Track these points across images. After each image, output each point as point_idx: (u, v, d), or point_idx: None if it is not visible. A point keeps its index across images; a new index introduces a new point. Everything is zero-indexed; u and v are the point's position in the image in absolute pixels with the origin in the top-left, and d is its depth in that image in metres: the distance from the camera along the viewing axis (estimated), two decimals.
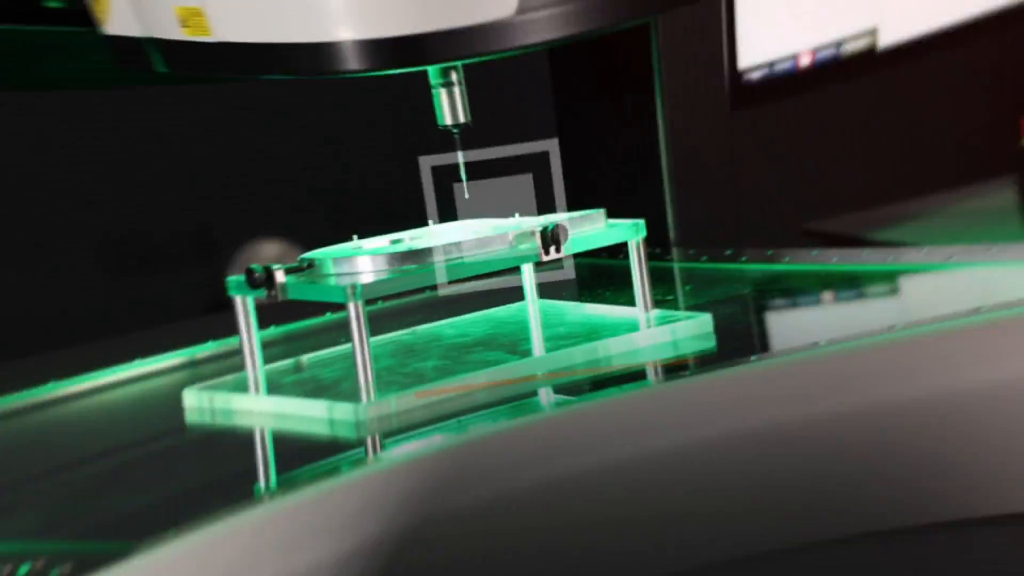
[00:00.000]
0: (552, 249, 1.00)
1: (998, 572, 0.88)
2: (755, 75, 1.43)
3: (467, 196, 1.07)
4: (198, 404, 1.03)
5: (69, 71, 1.22)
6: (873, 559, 0.89)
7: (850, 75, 1.43)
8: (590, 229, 1.04)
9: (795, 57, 1.42)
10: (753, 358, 0.94)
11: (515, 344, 1.04)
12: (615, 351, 1.01)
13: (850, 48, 1.43)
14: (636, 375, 0.98)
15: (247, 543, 0.76)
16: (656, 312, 1.06)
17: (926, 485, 0.91)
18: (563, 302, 1.15)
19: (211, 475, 0.91)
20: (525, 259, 1.01)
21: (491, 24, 0.94)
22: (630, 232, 1.04)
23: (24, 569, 0.73)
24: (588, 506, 0.86)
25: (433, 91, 1.05)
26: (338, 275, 0.98)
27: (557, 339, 1.04)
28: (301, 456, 0.92)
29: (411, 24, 0.93)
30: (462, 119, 1.05)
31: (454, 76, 1.04)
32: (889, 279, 1.18)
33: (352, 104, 1.51)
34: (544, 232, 1.00)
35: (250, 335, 1.03)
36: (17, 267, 1.34)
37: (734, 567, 0.88)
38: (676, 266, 1.33)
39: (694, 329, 1.04)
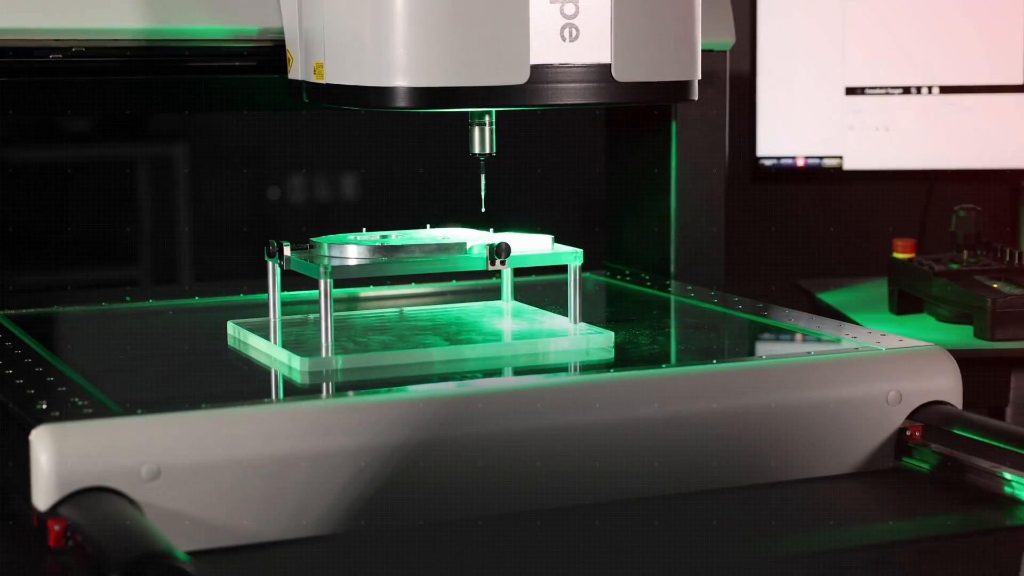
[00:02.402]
0: (497, 261, 1.28)
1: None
2: (768, 162, 2.10)
3: (483, 210, 1.37)
4: (233, 333, 1.36)
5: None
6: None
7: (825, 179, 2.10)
8: (537, 249, 1.32)
9: (794, 158, 2.11)
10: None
11: (455, 334, 1.32)
12: (521, 351, 1.30)
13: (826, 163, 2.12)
14: (524, 371, 1.26)
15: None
16: (583, 325, 1.33)
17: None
18: (530, 306, 1.42)
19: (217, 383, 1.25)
20: (472, 266, 1.29)
21: (508, 87, 1.25)
22: (570, 257, 1.32)
23: None
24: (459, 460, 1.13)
25: (469, 127, 1.36)
26: (326, 256, 1.28)
27: (490, 334, 1.32)
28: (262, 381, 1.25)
29: (448, 79, 1.25)
30: (488, 150, 1.35)
31: (486, 117, 1.35)
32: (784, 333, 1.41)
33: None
34: (492, 246, 1.28)
35: (273, 291, 1.35)
36: None
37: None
38: (672, 298, 1.58)
39: (600, 342, 1.30)
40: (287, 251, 1.31)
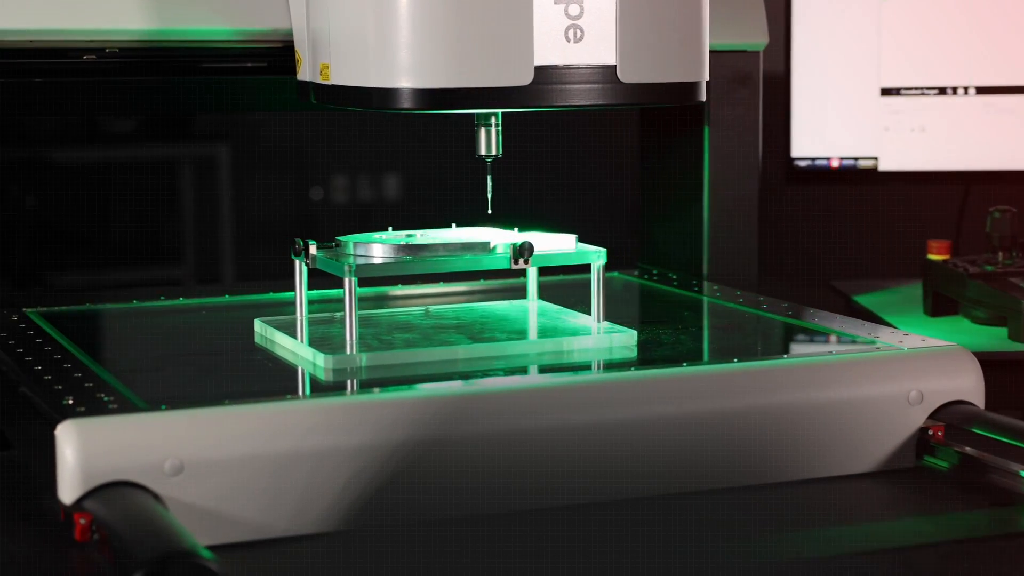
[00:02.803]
0: (520, 260, 1.29)
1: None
2: (802, 163, 2.10)
3: (490, 211, 1.37)
4: (259, 331, 1.38)
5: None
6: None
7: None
8: (561, 248, 1.32)
9: (829, 159, 2.11)
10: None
11: (479, 332, 1.33)
12: (543, 350, 1.31)
13: (861, 164, 2.11)
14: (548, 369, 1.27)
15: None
16: (606, 324, 1.33)
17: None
18: (554, 305, 1.43)
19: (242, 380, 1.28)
20: (496, 265, 1.30)
21: (512, 88, 1.25)
22: (593, 256, 1.32)
23: None
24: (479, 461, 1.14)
25: (475, 128, 1.36)
26: (351, 255, 1.29)
27: (513, 333, 1.33)
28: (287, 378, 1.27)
29: (451, 80, 1.25)
30: (494, 152, 1.35)
31: (493, 119, 1.35)
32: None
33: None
34: (515, 246, 1.29)
35: (300, 289, 1.36)
36: None
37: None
38: (702, 298, 1.58)
39: (623, 341, 1.31)
40: (313, 250, 1.32)
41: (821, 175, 2.11)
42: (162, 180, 2.92)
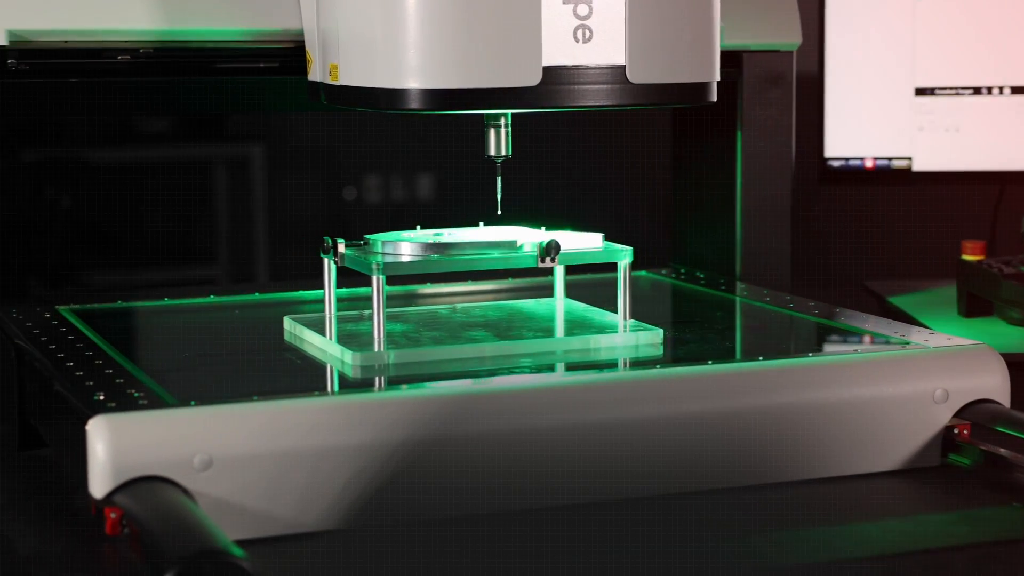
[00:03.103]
0: (547, 258, 1.31)
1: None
2: (836, 163, 2.12)
3: (499, 212, 1.40)
4: (289, 329, 1.41)
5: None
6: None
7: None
8: (587, 247, 1.34)
9: (862, 159, 2.13)
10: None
11: (506, 330, 1.35)
12: (569, 347, 1.33)
13: (895, 164, 2.12)
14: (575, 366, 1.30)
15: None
16: (632, 322, 1.35)
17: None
18: (581, 303, 1.45)
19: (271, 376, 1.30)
20: (523, 264, 1.32)
21: (520, 89, 1.26)
22: (619, 255, 1.34)
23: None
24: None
25: (484, 129, 1.38)
26: (379, 253, 1.32)
27: (540, 331, 1.35)
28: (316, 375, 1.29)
29: (459, 81, 1.26)
30: (503, 152, 1.37)
31: (502, 120, 1.37)
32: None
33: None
34: (542, 244, 1.31)
35: (329, 287, 1.39)
36: None
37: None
38: (733, 298, 1.60)
39: (649, 339, 1.33)
40: (341, 248, 1.34)
41: (855, 175, 2.12)
42: (196, 180, 2.95)
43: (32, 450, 1.32)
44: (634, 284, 1.38)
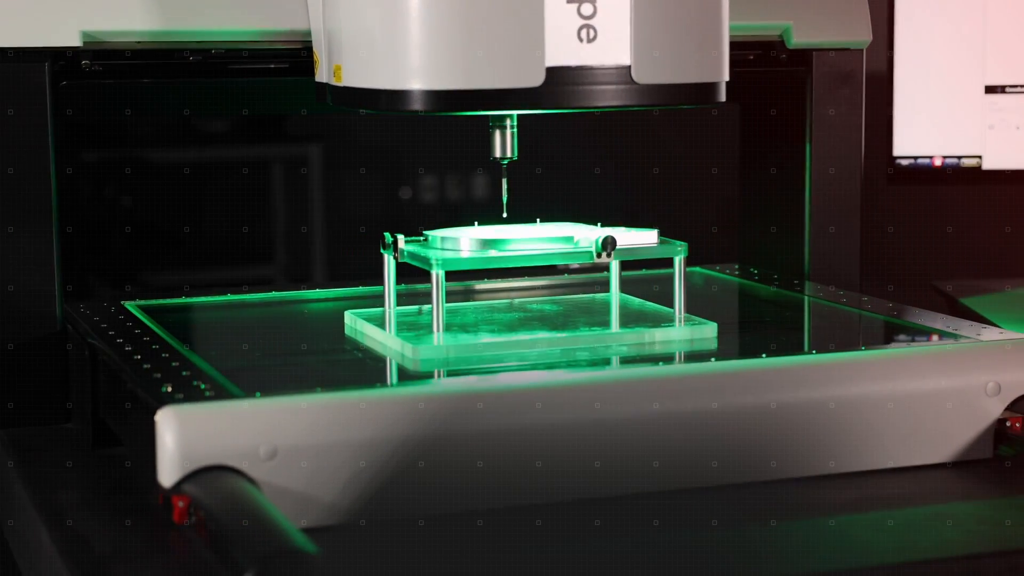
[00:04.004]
0: (603, 254, 1.39)
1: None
2: (905, 162, 2.21)
3: (505, 215, 1.47)
4: (350, 323, 1.49)
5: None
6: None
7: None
8: (643, 243, 1.42)
9: (931, 157, 2.20)
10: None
11: (561, 324, 1.43)
12: (624, 341, 1.39)
13: (965, 163, 2.19)
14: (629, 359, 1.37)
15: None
16: (687, 317, 1.43)
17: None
18: (637, 298, 1.53)
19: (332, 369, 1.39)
20: (579, 259, 1.40)
21: (523, 90, 1.31)
22: (675, 250, 1.42)
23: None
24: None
25: (490, 130, 1.44)
26: (438, 249, 1.40)
27: (595, 324, 1.42)
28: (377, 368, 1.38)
29: (462, 82, 1.31)
30: (509, 154, 1.43)
31: (507, 121, 1.42)
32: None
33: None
34: (598, 240, 1.39)
35: (389, 282, 1.47)
36: None
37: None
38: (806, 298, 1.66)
39: (704, 333, 1.41)
40: (401, 243, 1.43)
41: (924, 174, 2.18)
42: (254, 180, 3.02)
43: (106, 448, 1.39)
44: (702, 284, 1.44)
